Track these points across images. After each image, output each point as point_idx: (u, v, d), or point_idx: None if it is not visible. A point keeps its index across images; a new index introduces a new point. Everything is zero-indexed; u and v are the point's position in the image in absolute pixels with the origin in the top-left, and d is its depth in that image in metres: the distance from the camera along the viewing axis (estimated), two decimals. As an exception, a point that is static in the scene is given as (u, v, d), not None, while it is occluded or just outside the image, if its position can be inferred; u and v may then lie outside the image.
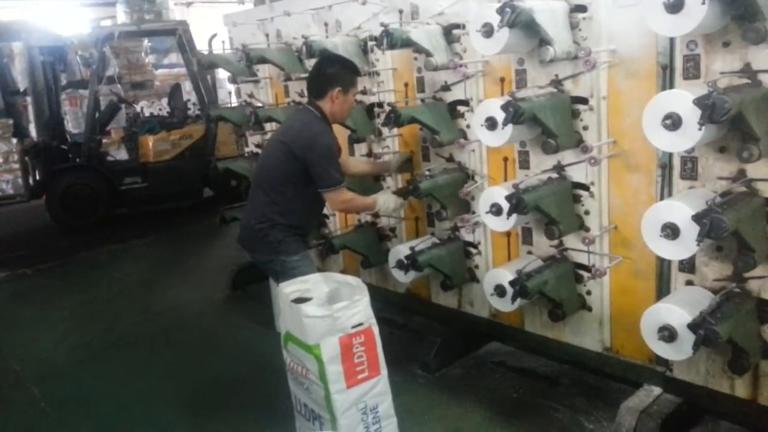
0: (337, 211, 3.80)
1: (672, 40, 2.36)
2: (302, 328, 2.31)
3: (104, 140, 9.47)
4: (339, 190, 2.96)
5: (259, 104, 4.50)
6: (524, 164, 2.94)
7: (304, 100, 4.02)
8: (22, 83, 9.10)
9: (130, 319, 4.90)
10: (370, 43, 3.38)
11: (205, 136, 8.11)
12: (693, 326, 2.08)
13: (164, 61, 12.83)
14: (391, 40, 2.96)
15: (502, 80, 2.97)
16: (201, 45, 4.90)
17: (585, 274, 2.81)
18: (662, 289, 2.58)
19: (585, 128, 2.69)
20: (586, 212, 2.76)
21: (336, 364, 2.29)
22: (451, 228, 3.35)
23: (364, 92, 3.64)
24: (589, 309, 2.85)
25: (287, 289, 2.53)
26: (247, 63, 3.92)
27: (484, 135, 2.66)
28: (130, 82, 11.74)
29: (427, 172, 3.20)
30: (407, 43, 3.02)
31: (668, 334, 2.21)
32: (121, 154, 9.12)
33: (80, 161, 7.89)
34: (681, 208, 2.10)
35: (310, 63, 3.85)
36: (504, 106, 2.49)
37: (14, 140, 8.30)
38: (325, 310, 2.31)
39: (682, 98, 2.05)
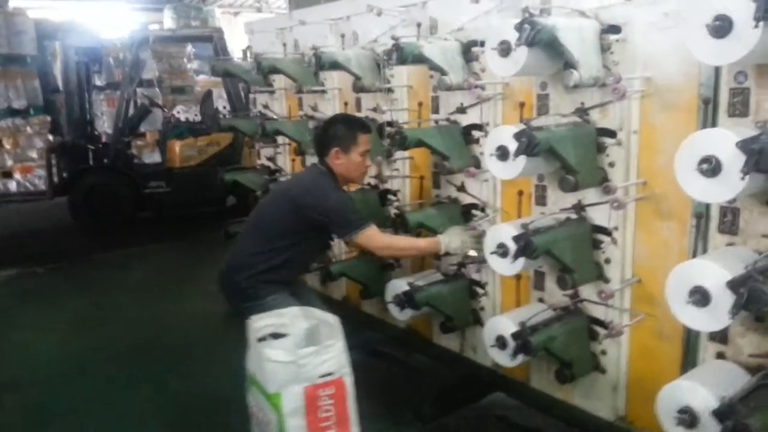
0: (385, 257, 3.22)
1: (717, 70, 2.02)
2: (263, 373, 2.04)
3: (139, 143, 9.52)
4: (368, 231, 2.78)
5: (273, 116, 4.28)
6: (541, 200, 2.61)
7: (318, 114, 3.79)
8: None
9: (131, 327, 4.73)
10: (383, 58, 3.11)
11: (233, 145, 7.99)
12: (720, 414, 1.72)
13: (207, 68, 12.93)
14: (401, 54, 2.68)
15: (522, 105, 2.66)
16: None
17: (601, 331, 2.45)
18: (688, 358, 2.21)
19: (611, 165, 2.36)
20: (607, 261, 2.42)
21: (298, 417, 2.01)
22: (458, 263, 3.04)
23: (375, 110, 3.37)
24: (603, 371, 2.48)
25: (258, 323, 2.26)
26: (259, 72, 3.70)
27: (495, 165, 2.35)
28: (170, 86, 11.80)
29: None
30: (419, 59, 2.74)
31: (689, 418, 1.84)
32: (155, 158, 9.11)
33: (106, 162, 7.86)
34: (714, 270, 1.75)
35: (324, 75, 3.63)
36: (517, 134, 2.18)
37: (51, 137, 8.35)
38: (289, 355, 2.02)
39: (725, 139, 1.71)
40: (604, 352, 2.48)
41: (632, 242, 2.37)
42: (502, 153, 2.29)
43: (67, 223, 7.77)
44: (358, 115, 3.56)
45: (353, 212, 2.81)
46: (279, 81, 4.25)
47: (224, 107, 9.10)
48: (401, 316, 2.94)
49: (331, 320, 2.23)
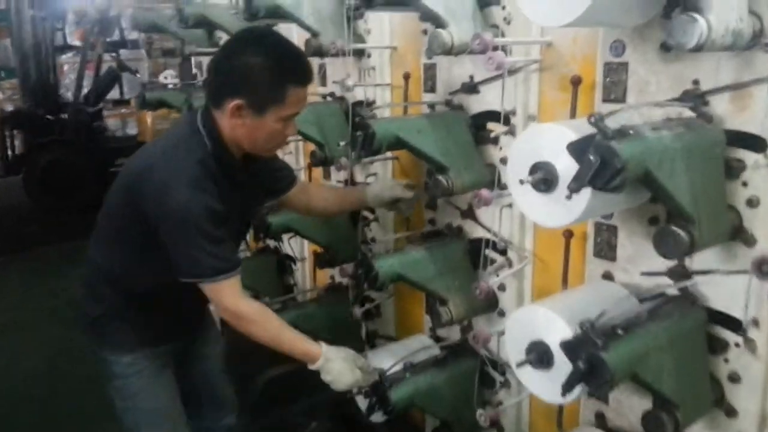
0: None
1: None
2: None
3: (123, 111, 8.47)
4: (218, 285, 1.56)
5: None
6: (606, 250, 1.49)
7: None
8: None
9: (54, 345, 3.70)
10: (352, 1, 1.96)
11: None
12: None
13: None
14: (370, -11, 1.55)
15: (577, 82, 1.51)
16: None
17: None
18: None
19: (750, 203, 1.23)
20: (733, 378, 1.30)
21: None
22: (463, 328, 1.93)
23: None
24: None
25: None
26: (182, 25, 2.59)
27: (528, 200, 1.24)
28: (161, 49, 10.68)
29: None
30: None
31: None
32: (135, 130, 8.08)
33: (66, 135, 6.81)
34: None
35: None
36: (577, 146, 1.06)
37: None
38: None
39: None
40: None
41: (783, 347, 1.25)
42: (545, 179, 1.18)
43: (22, 205, 6.76)
44: (321, 91, 2.43)
45: (211, 245, 1.53)
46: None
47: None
48: (373, 416, 1.84)
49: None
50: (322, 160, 2.20)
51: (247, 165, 1.67)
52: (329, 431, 2.65)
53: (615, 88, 1.41)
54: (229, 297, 1.60)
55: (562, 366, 1.25)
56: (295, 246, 2.82)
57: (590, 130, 1.07)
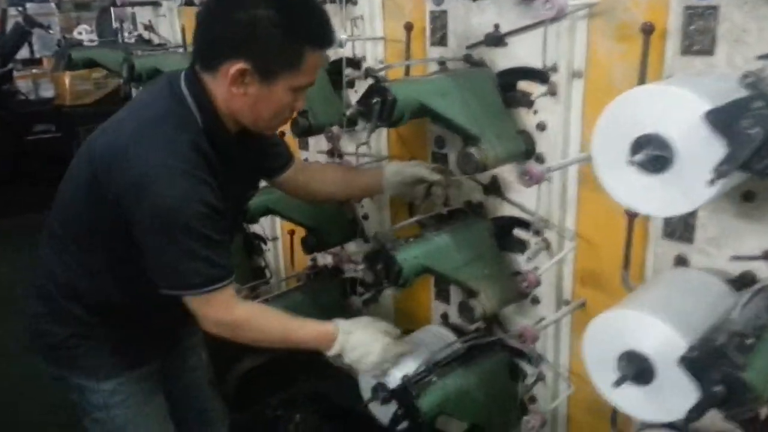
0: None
1: None
2: None
3: (35, 71, 7.65)
4: (209, 297, 1.26)
5: (158, 41, 2.79)
6: (681, 231, 1.26)
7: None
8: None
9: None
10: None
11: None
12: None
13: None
14: None
15: (649, 30, 1.24)
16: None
17: None
18: None
19: None
20: None
21: None
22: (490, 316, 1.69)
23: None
24: None
25: None
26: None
27: (627, 184, 0.98)
28: (72, 1, 9.74)
29: None
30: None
31: None
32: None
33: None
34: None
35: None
36: (724, 114, 0.81)
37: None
38: None
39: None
40: None
41: None
42: (658, 156, 0.92)
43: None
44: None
45: (204, 241, 1.21)
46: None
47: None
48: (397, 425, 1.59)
49: None
50: (305, 128, 1.87)
51: (240, 142, 1.33)
52: (315, 424, 2.41)
53: (700, 39, 1.15)
54: (222, 308, 1.30)
55: (666, 379, 1.04)
56: (265, 223, 2.49)
57: (708, 90, 0.83)
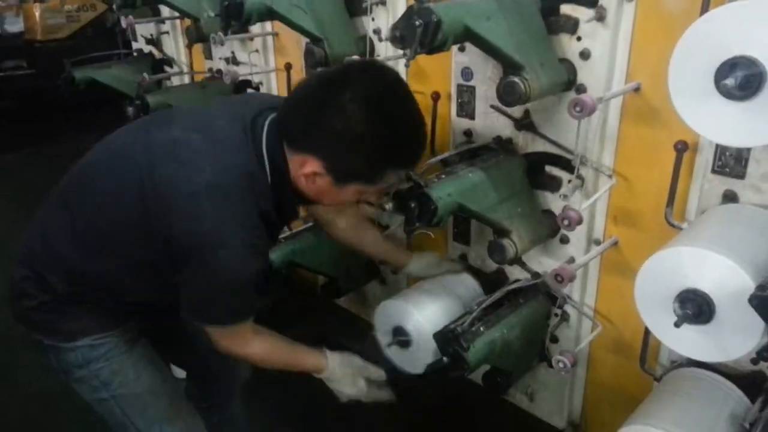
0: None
1: None
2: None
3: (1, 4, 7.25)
4: (235, 329, 1.29)
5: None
6: (732, 166, 1.21)
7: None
8: None
9: None
10: None
11: (113, 10, 6.00)
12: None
13: None
14: None
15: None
16: None
17: None
18: None
19: None
20: None
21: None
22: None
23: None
24: None
25: None
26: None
27: (710, 112, 0.92)
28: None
29: None
30: None
31: None
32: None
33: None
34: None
35: None
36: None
37: None
38: None
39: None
40: None
41: None
42: (751, 75, 0.86)
43: None
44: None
45: (242, 295, 1.22)
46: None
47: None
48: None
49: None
50: (321, 59, 1.76)
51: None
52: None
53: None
54: (238, 342, 1.32)
55: (726, 318, 1.00)
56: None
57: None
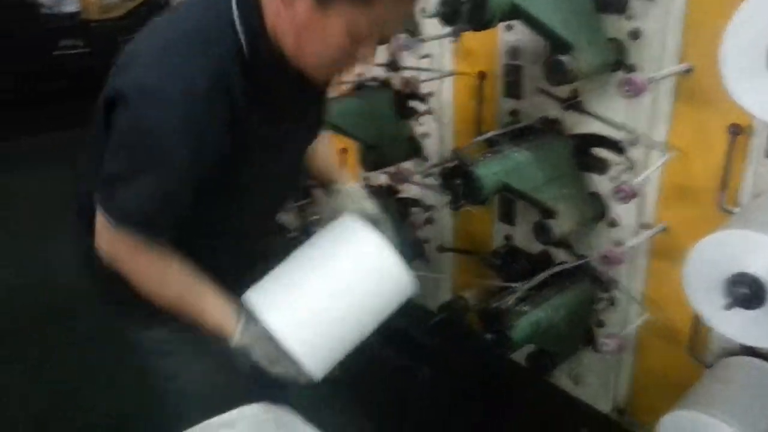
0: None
1: None
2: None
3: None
4: (115, 232, 1.08)
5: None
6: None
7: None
8: None
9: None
10: None
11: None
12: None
13: None
14: None
15: None
16: None
17: None
18: None
19: None
20: None
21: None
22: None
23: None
24: None
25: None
26: None
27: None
28: None
29: None
30: None
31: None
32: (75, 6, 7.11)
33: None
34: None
35: None
36: None
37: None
38: None
39: None
40: None
41: None
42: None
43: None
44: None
45: (145, 188, 1.04)
46: None
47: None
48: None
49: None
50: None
51: (301, 87, 1.13)
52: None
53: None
54: (126, 247, 1.11)
55: None
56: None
57: None
